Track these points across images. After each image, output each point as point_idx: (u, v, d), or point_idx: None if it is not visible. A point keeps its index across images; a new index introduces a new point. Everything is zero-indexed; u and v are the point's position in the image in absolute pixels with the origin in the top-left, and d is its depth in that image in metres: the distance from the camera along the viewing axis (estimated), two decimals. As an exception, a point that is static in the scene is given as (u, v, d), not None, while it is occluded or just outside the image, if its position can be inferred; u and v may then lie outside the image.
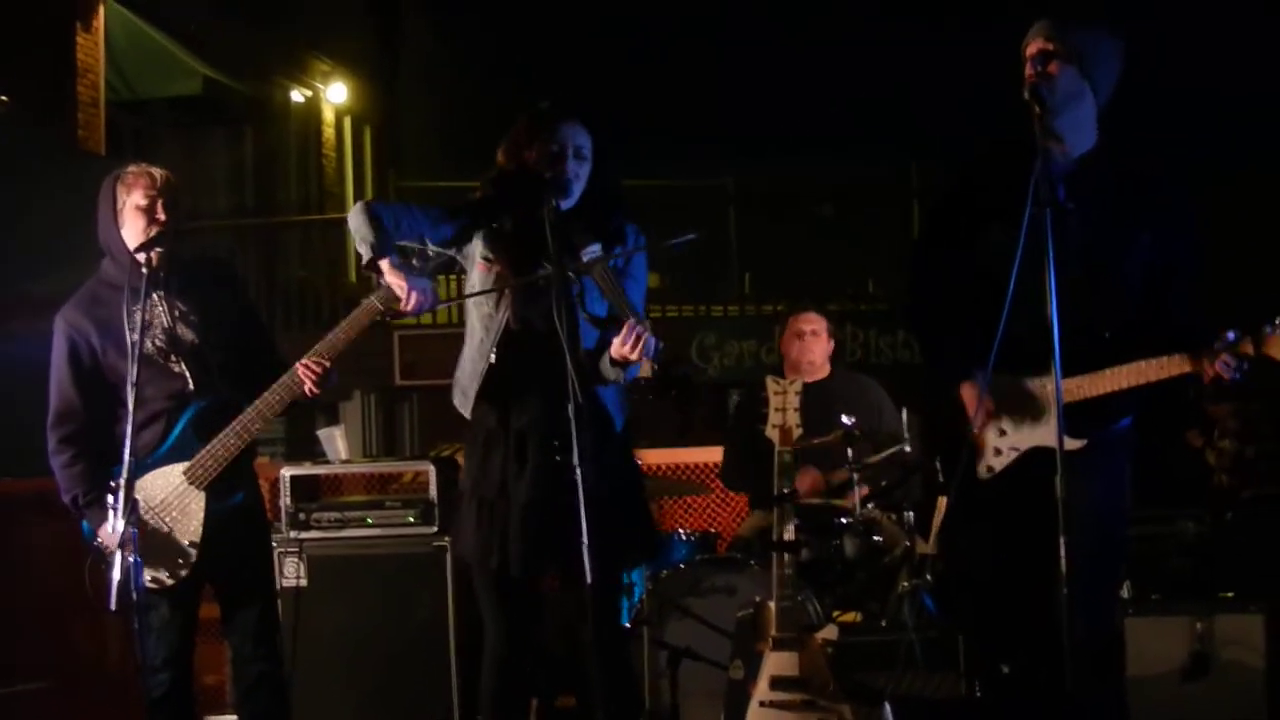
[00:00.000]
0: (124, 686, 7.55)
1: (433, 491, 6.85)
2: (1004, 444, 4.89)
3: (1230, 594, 6.59)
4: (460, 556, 5.13)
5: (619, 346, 4.60)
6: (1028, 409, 4.85)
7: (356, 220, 4.65)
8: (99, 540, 5.14)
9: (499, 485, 4.83)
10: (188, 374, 5.22)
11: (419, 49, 19.86)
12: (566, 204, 4.78)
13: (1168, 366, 4.68)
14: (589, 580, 4.27)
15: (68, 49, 13.04)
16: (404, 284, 4.67)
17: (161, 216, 5.12)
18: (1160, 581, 6.67)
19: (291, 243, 17.17)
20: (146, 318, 5.05)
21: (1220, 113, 14.79)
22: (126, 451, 4.78)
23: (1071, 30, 4.73)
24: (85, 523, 5.23)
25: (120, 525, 4.76)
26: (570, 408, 4.40)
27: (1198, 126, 14.01)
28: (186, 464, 5.17)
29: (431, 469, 6.90)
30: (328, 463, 7.30)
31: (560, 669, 5.77)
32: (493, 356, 4.83)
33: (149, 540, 5.01)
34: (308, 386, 5.15)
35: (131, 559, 4.73)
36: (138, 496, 4.86)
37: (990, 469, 4.90)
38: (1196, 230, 4.89)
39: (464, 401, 4.93)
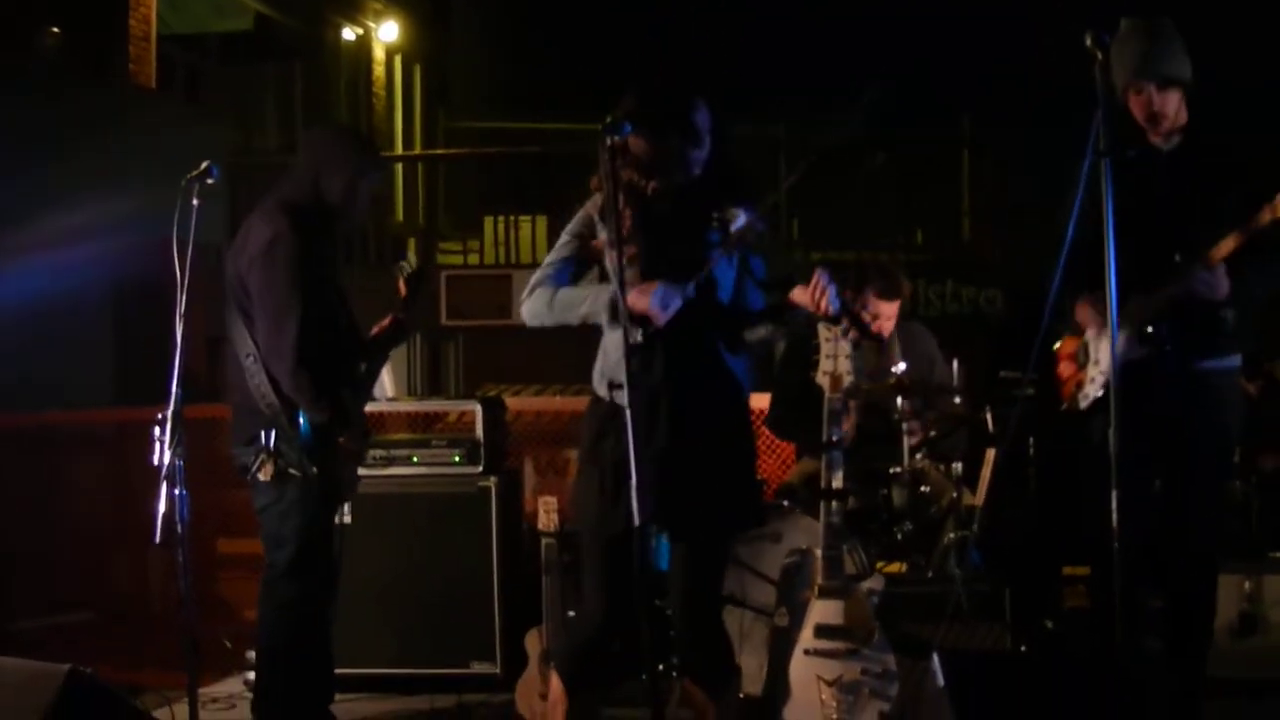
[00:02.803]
0: (165, 619, 7.59)
1: (479, 431, 6.83)
2: (1098, 373, 5.43)
3: (1279, 554, 6.57)
4: (577, 529, 4.98)
5: (803, 293, 4.68)
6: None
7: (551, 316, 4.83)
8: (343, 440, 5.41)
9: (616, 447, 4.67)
10: None
11: (471, -11, 19.79)
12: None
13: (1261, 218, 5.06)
14: (637, 523, 4.22)
15: (121, -19, 13.01)
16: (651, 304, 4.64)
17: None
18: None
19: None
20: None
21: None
22: (174, 383, 4.83)
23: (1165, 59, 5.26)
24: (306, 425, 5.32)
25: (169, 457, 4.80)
26: (624, 346, 4.36)
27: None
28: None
29: (478, 408, 6.89)
30: (374, 400, 7.26)
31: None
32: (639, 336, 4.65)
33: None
34: None
35: (178, 491, 4.75)
36: None
37: (1087, 396, 5.46)
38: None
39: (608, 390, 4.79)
